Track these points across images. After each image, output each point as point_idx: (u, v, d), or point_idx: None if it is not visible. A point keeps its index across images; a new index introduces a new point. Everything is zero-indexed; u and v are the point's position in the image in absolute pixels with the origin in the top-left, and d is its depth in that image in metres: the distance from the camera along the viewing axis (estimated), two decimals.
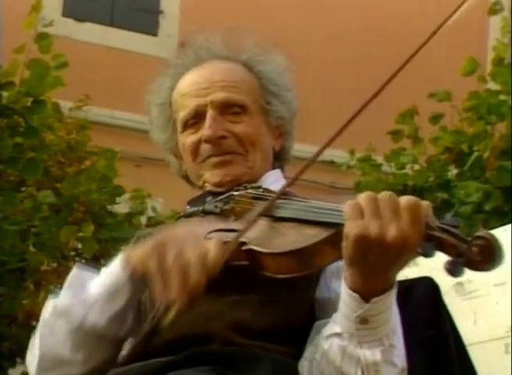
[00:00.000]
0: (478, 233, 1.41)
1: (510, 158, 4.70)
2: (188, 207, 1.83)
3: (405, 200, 1.44)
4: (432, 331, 1.72)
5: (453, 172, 5.12)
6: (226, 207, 1.70)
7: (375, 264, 1.45)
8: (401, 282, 1.75)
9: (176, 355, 1.59)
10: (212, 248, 1.52)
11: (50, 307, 1.70)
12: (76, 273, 1.73)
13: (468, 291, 2.64)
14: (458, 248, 1.41)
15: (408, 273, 2.60)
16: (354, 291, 1.49)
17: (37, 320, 1.73)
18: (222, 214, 1.70)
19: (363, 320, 1.49)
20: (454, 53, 7.50)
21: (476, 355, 1.81)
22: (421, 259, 3.03)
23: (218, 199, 1.73)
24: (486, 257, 1.40)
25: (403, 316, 1.59)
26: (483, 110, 5.02)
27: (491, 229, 2.71)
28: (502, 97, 5.04)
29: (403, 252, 1.44)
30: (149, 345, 1.61)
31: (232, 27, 1.92)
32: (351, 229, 1.44)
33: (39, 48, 4.88)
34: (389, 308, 1.51)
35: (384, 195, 1.45)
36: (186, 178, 1.94)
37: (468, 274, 2.60)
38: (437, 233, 1.42)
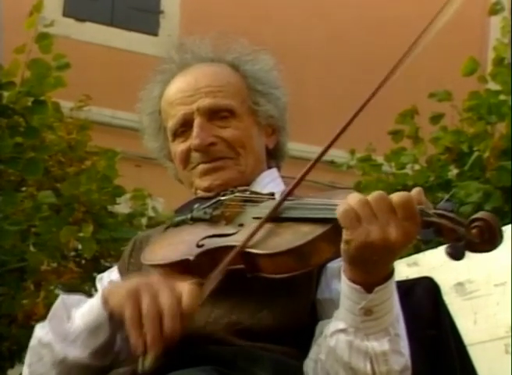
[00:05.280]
0: (476, 215, 1.41)
1: (510, 159, 4.70)
2: (176, 215, 1.81)
3: (396, 197, 1.44)
4: (432, 331, 1.72)
5: (453, 172, 5.11)
6: (216, 212, 1.68)
7: (378, 261, 1.46)
8: (401, 282, 1.75)
9: (177, 354, 1.59)
10: (187, 291, 1.51)
11: (36, 336, 1.69)
12: (61, 300, 1.72)
13: (469, 291, 2.65)
14: (457, 231, 1.41)
15: (408, 273, 2.61)
16: (356, 283, 1.49)
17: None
18: (212, 220, 1.68)
19: (367, 312, 1.49)
20: (454, 53, 7.50)
21: (476, 355, 1.81)
22: (421, 259, 3.04)
23: (206, 205, 1.71)
24: (486, 238, 1.40)
25: (404, 316, 1.58)
26: (483, 110, 5.02)
27: None
28: (502, 97, 5.04)
29: (405, 246, 1.45)
30: None
31: (223, 31, 1.92)
32: (353, 237, 1.44)
33: (40, 48, 4.88)
34: (392, 296, 1.51)
35: (375, 197, 1.45)
36: (181, 181, 1.94)
37: (469, 274, 2.61)
38: (434, 219, 1.43)
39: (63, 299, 1.72)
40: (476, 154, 4.90)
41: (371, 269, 1.47)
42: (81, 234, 4.92)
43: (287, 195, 1.60)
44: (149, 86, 1.93)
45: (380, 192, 1.46)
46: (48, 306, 4.06)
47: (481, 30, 9.52)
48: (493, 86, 5.19)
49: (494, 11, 5.52)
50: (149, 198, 5.89)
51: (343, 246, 1.46)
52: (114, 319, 1.58)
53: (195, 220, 1.70)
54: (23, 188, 5.12)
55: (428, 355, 1.70)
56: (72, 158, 5.44)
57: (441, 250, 2.77)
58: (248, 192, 1.71)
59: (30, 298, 4.70)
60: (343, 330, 1.52)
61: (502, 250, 2.51)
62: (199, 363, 1.55)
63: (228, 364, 1.56)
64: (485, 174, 4.80)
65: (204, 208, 1.71)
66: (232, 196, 1.70)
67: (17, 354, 4.92)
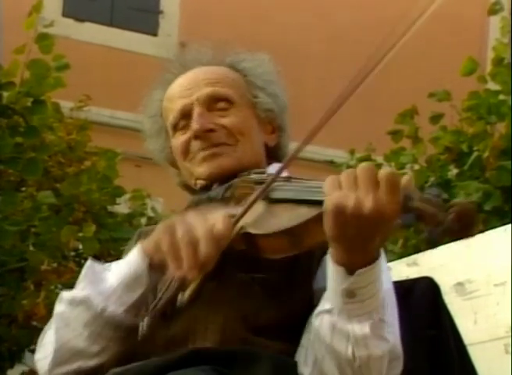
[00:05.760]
0: (454, 201, 1.42)
1: (510, 158, 4.70)
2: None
3: (383, 171, 1.46)
4: (432, 331, 1.73)
5: (452, 172, 5.11)
6: (227, 193, 1.73)
7: (355, 236, 1.46)
8: (401, 282, 1.75)
9: (176, 354, 1.59)
10: (219, 220, 1.56)
11: (64, 299, 1.70)
12: (90, 265, 1.74)
13: (468, 291, 2.64)
14: (437, 217, 1.41)
15: (408, 272, 2.61)
16: (339, 264, 1.50)
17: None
18: (223, 200, 1.72)
19: (350, 293, 1.50)
20: (454, 53, 7.50)
21: (476, 355, 1.81)
22: (421, 259, 3.05)
23: (222, 186, 1.76)
24: (463, 224, 1.41)
25: (404, 316, 1.59)
26: (483, 110, 5.02)
27: (491, 229, 2.72)
28: (502, 97, 5.03)
29: (381, 223, 1.45)
30: (167, 321, 1.64)
31: (222, 39, 1.96)
32: (328, 201, 1.45)
33: (40, 49, 4.88)
34: (376, 280, 1.51)
35: (362, 167, 1.47)
36: (184, 187, 1.96)
37: (468, 274, 2.61)
38: (416, 205, 1.43)
39: (91, 264, 1.74)
40: (476, 154, 4.90)
41: (350, 246, 1.48)
42: (82, 234, 4.93)
43: (279, 174, 1.63)
44: (151, 92, 1.97)
45: (368, 163, 1.49)
46: (49, 306, 4.08)
47: (481, 30, 9.52)
48: (493, 86, 5.18)
49: (493, 11, 5.51)
50: (148, 198, 5.90)
51: (324, 218, 1.47)
52: (152, 270, 1.62)
53: (211, 200, 1.75)
54: (23, 188, 5.12)
55: (428, 355, 1.71)
56: (71, 158, 5.44)
57: (441, 250, 2.78)
58: (265, 175, 1.73)
59: (30, 298, 4.69)
60: (327, 311, 1.55)
61: (502, 250, 2.51)
62: (199, 362, 1.55)
63: (227, 363, 1.56)
64: (484, 174, 4.80)
65: (219, 188, 1.77)
66: (245, 177, 1.73)
67: (17, 354, 4.92)
